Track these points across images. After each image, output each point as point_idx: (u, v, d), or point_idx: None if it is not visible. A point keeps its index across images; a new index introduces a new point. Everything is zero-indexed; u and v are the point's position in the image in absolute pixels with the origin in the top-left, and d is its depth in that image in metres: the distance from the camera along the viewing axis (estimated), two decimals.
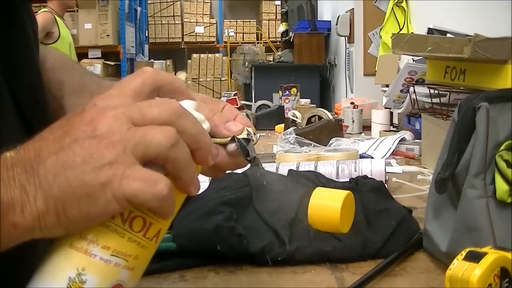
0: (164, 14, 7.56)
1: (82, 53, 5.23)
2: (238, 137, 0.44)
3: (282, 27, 5.59)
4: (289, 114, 2.02)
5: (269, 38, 7.15)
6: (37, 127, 0.38)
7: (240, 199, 0.76)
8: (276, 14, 7.38)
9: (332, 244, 0.69)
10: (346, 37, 3.82)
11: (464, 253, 0.52)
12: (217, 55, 7.42)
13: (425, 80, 1.45)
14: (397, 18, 2.74)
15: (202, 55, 7.32)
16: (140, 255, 0.37)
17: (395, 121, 1.93)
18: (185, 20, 7.55)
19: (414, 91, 1.39)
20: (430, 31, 1.79)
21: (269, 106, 2.48)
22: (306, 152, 1.26)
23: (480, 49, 1.00)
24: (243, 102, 3.12)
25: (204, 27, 7.56)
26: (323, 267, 0.67)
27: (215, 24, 7.66)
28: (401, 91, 1.74)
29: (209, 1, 7.65)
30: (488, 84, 1.05)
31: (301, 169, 1.07)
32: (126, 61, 5.87)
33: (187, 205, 0.69)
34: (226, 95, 3.17)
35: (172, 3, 7.52)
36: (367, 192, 0.82)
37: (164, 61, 7.19)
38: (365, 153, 1.40)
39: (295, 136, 1.50)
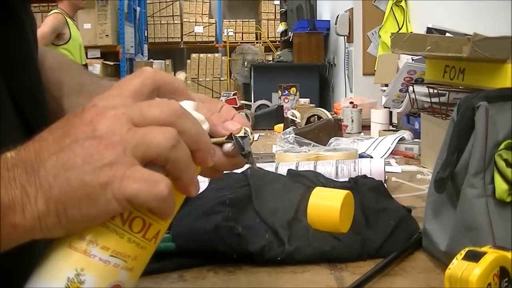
0: (163, 14, 7.56)
1: None
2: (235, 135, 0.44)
3: (281, 27, 5.59)
4: (288, 114, 2.02)
5: (268, 37, 7.16)
6: (37, 127, 0.38)
7: (239, 199, 0.75)
8: (275, 14, 7.39)
9: (332, 244, 0.69)
10: (345, 37, 3.82)
11: (463, 252, 0.52)
12: (216, 55, 7.42)
13: (424, 79, 1.44)
14: (396, 18, 2.74)
15: (202, 55, 7.32)
16: (139, 255, 0.37)
17: (395, 120, 1.93)
18: (184, 20, 7.55)
19: (413, 91, 1.39)
20: (429, 30, 1.79)
21: (268, 106, 2.48)
22: (306, 151, 1.26)
23: (479, 48, 1.00)
24: (242, 101, 3.11)
25: (203, 27, 7.56)
26: (323, 267, 0.67)
27: (214, 24, 7.67)
28: (400, 90, 1.74)
29: (208, 1, 7.65)
30: (487, 83, 1.05)
31: (300, 168, 1.07)
32: (125, 61, 5.87)
33: (186, 205, 0.69)
34: (225, 95, 3.16)
35: (171, 3, 7.53)
36: (366, 192, 0.82)
37: (164, 61, 7.19)
38: (364, 152, 1.40)
39: (295, 135, 1.50)
